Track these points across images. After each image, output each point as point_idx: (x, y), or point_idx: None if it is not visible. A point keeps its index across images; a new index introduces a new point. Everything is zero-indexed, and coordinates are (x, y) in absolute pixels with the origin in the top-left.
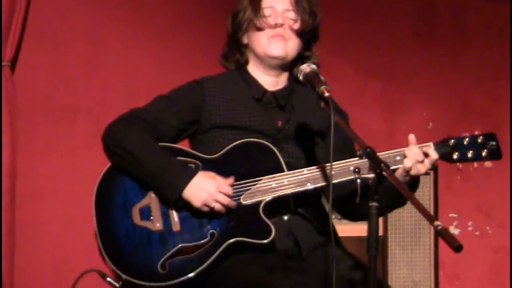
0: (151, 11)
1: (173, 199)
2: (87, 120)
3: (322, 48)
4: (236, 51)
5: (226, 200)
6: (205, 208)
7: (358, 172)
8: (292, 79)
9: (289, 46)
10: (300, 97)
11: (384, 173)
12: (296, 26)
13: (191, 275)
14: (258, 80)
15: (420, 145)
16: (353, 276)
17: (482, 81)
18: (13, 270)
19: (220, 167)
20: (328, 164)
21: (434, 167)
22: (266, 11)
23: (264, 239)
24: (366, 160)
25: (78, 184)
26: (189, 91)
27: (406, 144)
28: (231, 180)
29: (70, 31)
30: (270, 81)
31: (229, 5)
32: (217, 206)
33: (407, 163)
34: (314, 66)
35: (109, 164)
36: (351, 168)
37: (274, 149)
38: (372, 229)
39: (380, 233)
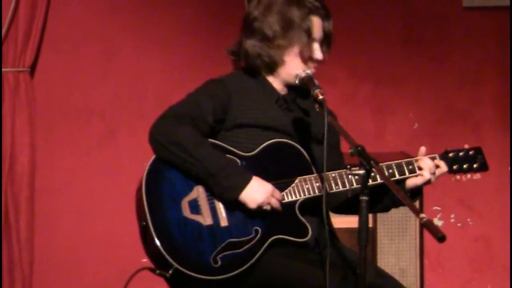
0: (159, 19)
1: (231, 200)
2: (100, 122)
3: None
4: (266, 56)
5: (277, 204)
6: (258, 209)
7: (350, 169)
8: (291, 87)
9: None
10: (303, 103)
11: (373, 169)
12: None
13: (242, 269)
14: (271, 83)
15: (429, 156)
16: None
17: (463, 85)
18: (33, 259)
19: (256, 165)
20: (343, 170)
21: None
22: (315, 45)
23: (302, 238)
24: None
25: (92, 180)
26: (216, 89)
27: (394, 144)
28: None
29: (84, 39)
30: (279, 87)
31: (231, 12)
32: (268, 208)
33: (427, 175)
34: (309, 71)
35: (153, 156)
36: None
37: (303, 151)
38: (363, 221)
39: (370, 224)
